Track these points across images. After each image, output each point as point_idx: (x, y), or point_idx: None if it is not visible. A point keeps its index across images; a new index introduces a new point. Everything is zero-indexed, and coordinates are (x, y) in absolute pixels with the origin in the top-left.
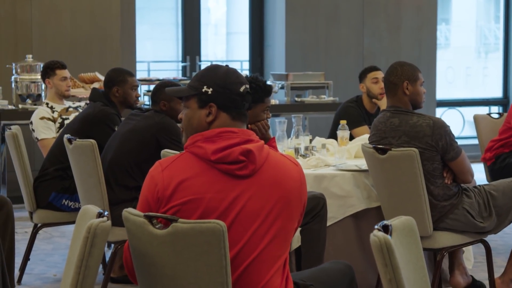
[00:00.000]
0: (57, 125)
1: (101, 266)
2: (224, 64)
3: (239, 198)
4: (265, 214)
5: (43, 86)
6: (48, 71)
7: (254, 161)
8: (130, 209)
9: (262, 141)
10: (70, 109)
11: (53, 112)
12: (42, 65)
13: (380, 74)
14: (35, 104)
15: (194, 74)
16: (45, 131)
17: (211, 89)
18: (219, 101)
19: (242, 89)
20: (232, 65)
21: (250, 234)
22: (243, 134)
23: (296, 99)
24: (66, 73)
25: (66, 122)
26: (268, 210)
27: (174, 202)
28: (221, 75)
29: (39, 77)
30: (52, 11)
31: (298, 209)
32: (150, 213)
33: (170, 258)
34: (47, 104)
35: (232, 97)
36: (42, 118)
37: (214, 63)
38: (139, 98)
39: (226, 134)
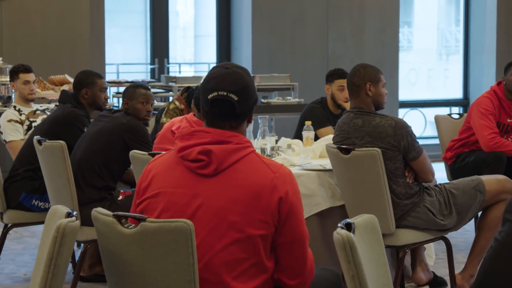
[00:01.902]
0: (25, 127)
1: (71, 265)
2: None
3: (199, 196)
4: (223, 215)
5: None
6: (12, 75)
7: (215, 161)
8: (99, 209)
9: (242, 145)
10: (38, 112)
11: (20, 114)
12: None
13: (346, 82)
14: (5, 106)
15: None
16: (12, 133)
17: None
18: (202, 104)
19: (210, 96)
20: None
21: (205, 232)
22: (217, 135)
23: (263, 100)
24: (29, 77)
25: (34, 124)
26: (227, 211)
27: (147, 194)
28: (206, 79)
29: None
30: (22, 13)
31: (264, 216)
32: (119, 213)
33: (138, 256)
34: (14, 107)
35: (204, 102)
36: (9, 121)
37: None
38: (108, 100)
39: (199, 133)
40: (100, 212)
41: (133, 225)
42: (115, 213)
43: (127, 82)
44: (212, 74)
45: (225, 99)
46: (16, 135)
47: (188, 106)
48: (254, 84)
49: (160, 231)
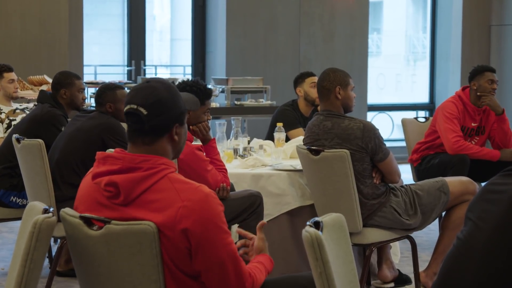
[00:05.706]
0: (5, 125)
1: (47, 260)
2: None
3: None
4: None
5: None
6: None
7: (123, 192)
8: (67, 209)
9: (152, 170)
10: (17, 111)
11: (0, 113)
12: None
13: (317, 79)
14: None
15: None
16: None
17: None
18: None
19: (126, 108)
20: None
21: None
22: (127, 162)
23: (236, 102)
24: (13, 75)
25: (13, 123)
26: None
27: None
28: (131, 90)
29: None
30: (2, 15)
31: (175, 248)
32: (86, 215)
33: (104, 257)
34: None
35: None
36: None
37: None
38: (86, 100)
39: (111, 159)
40: (67, 213)
41: (99, 226)
42: (82, 214)
43: (105, 83)
44: (133, 87)
45: (135, 112)
46: None
47: None
48: (175, 99)
49: (124, 233)
